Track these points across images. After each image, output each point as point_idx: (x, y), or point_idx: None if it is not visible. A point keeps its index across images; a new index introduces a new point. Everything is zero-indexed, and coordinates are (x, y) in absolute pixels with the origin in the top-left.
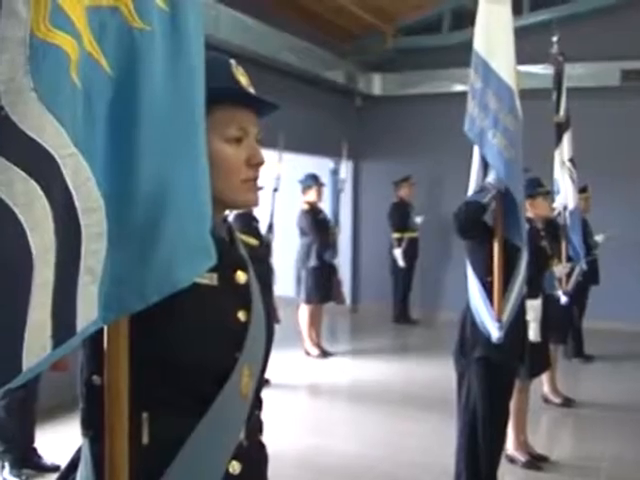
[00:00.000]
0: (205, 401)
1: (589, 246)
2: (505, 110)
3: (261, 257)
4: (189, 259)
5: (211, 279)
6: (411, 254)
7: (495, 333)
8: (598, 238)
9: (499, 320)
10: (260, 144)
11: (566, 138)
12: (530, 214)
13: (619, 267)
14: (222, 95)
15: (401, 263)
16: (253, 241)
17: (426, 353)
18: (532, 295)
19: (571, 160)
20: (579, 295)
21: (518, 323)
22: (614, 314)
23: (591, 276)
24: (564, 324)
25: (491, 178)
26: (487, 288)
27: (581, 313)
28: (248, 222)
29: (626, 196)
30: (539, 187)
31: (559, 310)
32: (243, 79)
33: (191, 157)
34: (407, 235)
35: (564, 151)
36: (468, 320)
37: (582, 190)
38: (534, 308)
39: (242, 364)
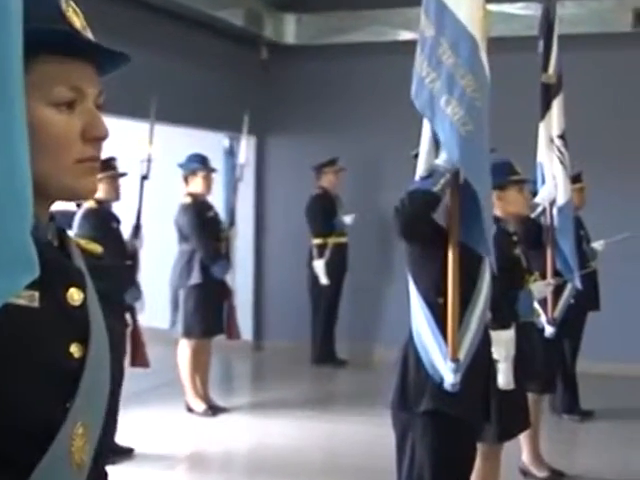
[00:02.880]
0: (20, 473)
1: (585, 256)
2: (464, 68)
3: (108, 270)
4: None
5: (31, 299)
6: (338, 267)
7: (449, 377)
8: (597, 245)
9: (454, 359)
10: (102, 110)
11: (556, 106)
12: (498, 211)
13: (629, 286)
14: (46, 41)
15: (324, 280)
16: (95, 248)
17: (356, 406)
18: (501, 324)
19: (562, 137)
20: (572, 325)
21: (481, 363)
22: (622, 353)
23: (588, 298)
24: (550, 365)
25: (442, 158)
26: (437, 313)
27: (575, 350)
28: (103, 222)
29: (638, 187)
30: (511, 174)
31: (542, 345)
32: (76, 19)
33: (3, 127)
34: (332, 241)
35: (552, 124)
36: (411, 359)
37: (575, 178)
38: (504, 342)
39: (74, 419)
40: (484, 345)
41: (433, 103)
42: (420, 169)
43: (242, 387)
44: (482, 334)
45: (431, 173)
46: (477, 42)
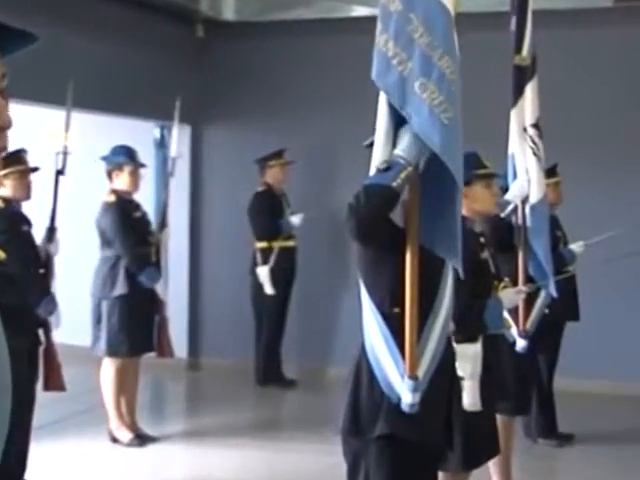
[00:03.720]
0: None
1: (562, 259)
2: (441, 48)
3: (12, 279)
4: None
5: None
6: (285, 275)
7: (406, 397)
8: (576, 247)
9: (413, 376)
10: (6, 95)
11: (530, 91)
12: (464, 210)
13: (612, 292)
14: None
15: (269, 289)
16: None
17: (306, 433)
18: (467, 337)
19: (535, 125)
20: (547, 338)
21: (443, 381)
22: (604, 369)
23: (566, 307)
24: (523, 383)
25: (401, 148)
26: (393, 325)
27: (551, 366)
28: (10, 224)
29: (621, 180)
30: (477, 167)
31: (514, 361)
32: None
33: None
34: (278, 244)
35: (525, 111)
36: (363, 377)
37: (550, 172)
38: (470, 357)
39: None
40: (447, 360)
41: (404, 87)
42: (376, 161)
43: (175, 412)
44: (444, 348)
45: (389, 165)
46: (452, 18)
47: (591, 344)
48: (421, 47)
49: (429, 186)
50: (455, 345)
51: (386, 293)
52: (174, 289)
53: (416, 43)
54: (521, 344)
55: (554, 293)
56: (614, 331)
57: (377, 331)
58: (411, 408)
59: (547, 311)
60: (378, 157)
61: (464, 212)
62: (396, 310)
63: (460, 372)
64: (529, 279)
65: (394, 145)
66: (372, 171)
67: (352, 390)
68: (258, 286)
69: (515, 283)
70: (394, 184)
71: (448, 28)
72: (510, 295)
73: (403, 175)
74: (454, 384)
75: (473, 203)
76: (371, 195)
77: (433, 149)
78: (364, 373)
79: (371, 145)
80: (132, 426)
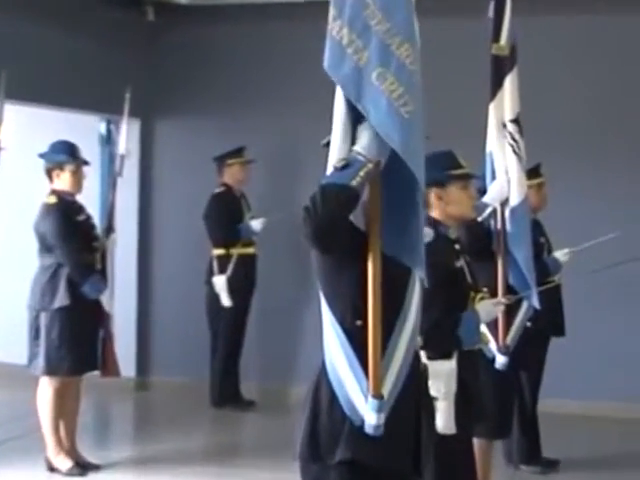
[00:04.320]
0: None
1: (545, 268)
2: (400, 36)
3: None
4: None
5: None
6: (244, 285)
7: (370, 418)
8: (561, 255)
9: (377, 395)
10: None
11: (509, 83)
12: (437, 213)
13: (601, 305)
14: None
15: (226, 301)
16: None
17: (267, 458)
18: (440, 353)
19: (515, 121)
20: (530, 354)
21: (411, 400)
22: (593, 389)
23: (550, 321)
24: (503, 404)
25: (360, 145)
26: (356, 339)
27: (535, 386)
28: None
29: (610, 181)
30: (452, 167)
31: (493, 379)
32: None
33: None
34: (237, 251)
35: (505, 105)
36: (323, 397)
37: (533, 172)
38: (444, 376)
39: None
40: (414, 378)
41: (360, 78)
42: (333, 159)
43: (121, 437)
44: (412, 364)
45: (347, 163)
46: (412, 2)
47: (578, 361)
48: (378, 34)
49: (390, 187)
50: (428, 362)
51: (347, 304)
52: (121, 300)
53: (373, 30)
54: (501, 361)
55: (536, 305)
56: (603, 347)
57: (338, 346)
58: (375, 430)
59: (529, 325)
60: (335, 155)
61: (437, 216)
62: (358, 323)
63: (433, 392)
64: (509, 290)
65: (353, 142)
66: (329, 170)
67: (310, 412)
68: (214, 297)
69: (494, 294)
70: (353, 183)
71: (408, 13)
72: (488, 307)
73: (363, 173)
74: (424, 404)
75: (448, 206)
76: (328, 196)
77: (392, 146)
78: (323, 393)
79: (329, 144)
80: (72, 453)
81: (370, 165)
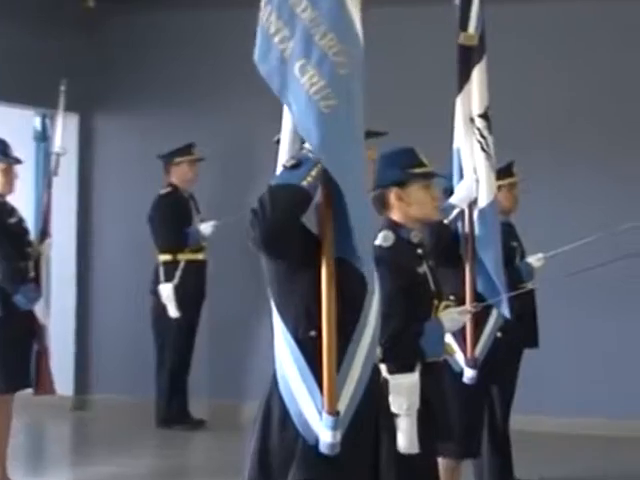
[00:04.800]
0: None
1: (517, 274)
2: (325, 25)
3: None
4: None
5: None
6: (192, 294)
7: (325, 436)
8: (535, 260)
9: (332, 412)
10: None
11: (477, 75)
12: (397, 215)
13: (576, 313)
14: None
15: (173, 312)
16: None
17: None
18: (401, 366)
19: (484, 115)
20: (501, 367)
21: (369, 417)
22: (569, 404)
23: (523, 331)
24: (471, 421)
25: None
26: (309, 352)
27: (507, 402)
28: None
29: (586, 180)
30: (413, 166)
31: (460, 394)
32: None
33: None
34: (185, 257)
35: (472, 99)
36: (274, 414)
37: (504, 171)
38: (406, 390)
39: None
40: (373, 393)
41: (284, 70)
42: (283, 158)
43: (57, 461)
44: (370, 378)
45: (298, 162)
46: None
47: (553, 375)
48: (303, 22)
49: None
50: (388, 376)
51: (300, 314)
52: (58, 312)
53: (299, 18)
54: (469, 375)
55: (507, 314)
56: (581, 359)
57: (290, 359)
58: (331, 449)
59: (500, 335)
60: (285, 154)
61: (398, 218)
62: (312, 333)
63: (394, 408)
64: (478, 298)
65: (303, 140)
66: (278, 169)
67: (260, 430)
68: (160, 307)
69: (462, 302)
70: (304, 183)
71: (337, 1)
72: (452, 316)
73: (314, 173)
74: (384, 421)
75: (409, 208)
76: (277, 197)
77: (309, 143)
78: (274, 409)
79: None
80: (3, 478)
81: (321, 164)
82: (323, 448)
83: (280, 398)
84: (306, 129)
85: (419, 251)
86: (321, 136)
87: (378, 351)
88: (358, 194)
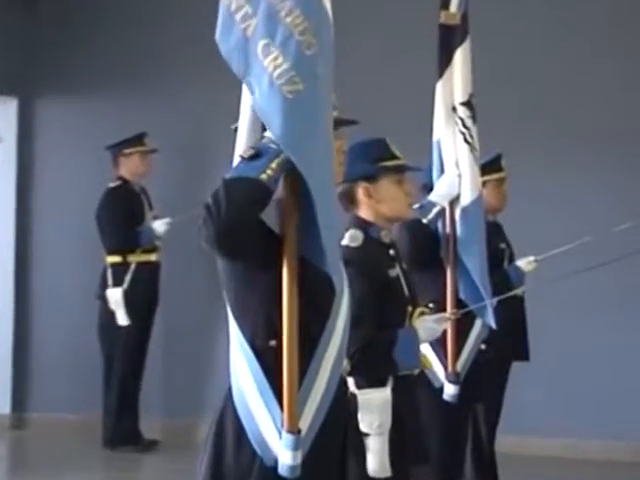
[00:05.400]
0: None
1: (507, 280)
2: (290, 2)
3: None
4: None
5: None
6: (144, 299)
7: (285, 457)
8: (525, 263)
9: (292, 430)
10: None
11: (460, 58)
12: (366, 213)
13: (569, 323)
14: None
15: (122, 320)
16: None
17: None
18: (371, 380)
19: (467, 103)
20: (486, 383)
21: (334, 436)
22: (560, 424)
23: (511, 343)
24: (452, 442)
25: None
26: (268, 363)
27: (492, 421)
28: None
29: (578, 176)
30: (385, 158)
31: (439, 412)
32: None
33: None
34: (136, 259)
35: (455, 85)
36: (229, 432)
37: (491, 165)
38: (377, 407)
39: None
40: (339, 410)
41: (246, 50)
42: (240, 147)
43: None
44: (336, 393)
45: (257, 152)
46: None
47: (544, 391)
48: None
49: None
50: (357, 391)
51: (259, 321)
52: None
53: None
54: (450, 391)
55: (492, 323)
56: (574, 374)
57: (247, 371)
58: (291, 472)
59: (484, 347)
60: (243, 143)
61: (367, 216)
62: (272, 343)
63: (363, 426)
64: (461, 305)
65: (264, 128)
66: (235, 161)
67: (212, 449)
68: (108, 314)
69: (442, 310)
70: (263, 177)
71: None
72: (428, 324)
73: (275, 165)
74: (351, 441)
75: (379, 205)
76: (232, 192)
77: (270, 131)
78: (229, 426)
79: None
80: None
81: (284, 155)
82: (282, 470)
83: (235, 414)
84: (268, 116)
85: (391, 252)
86: (284, 124)
87: (346, 363)
88: (326, 188)
